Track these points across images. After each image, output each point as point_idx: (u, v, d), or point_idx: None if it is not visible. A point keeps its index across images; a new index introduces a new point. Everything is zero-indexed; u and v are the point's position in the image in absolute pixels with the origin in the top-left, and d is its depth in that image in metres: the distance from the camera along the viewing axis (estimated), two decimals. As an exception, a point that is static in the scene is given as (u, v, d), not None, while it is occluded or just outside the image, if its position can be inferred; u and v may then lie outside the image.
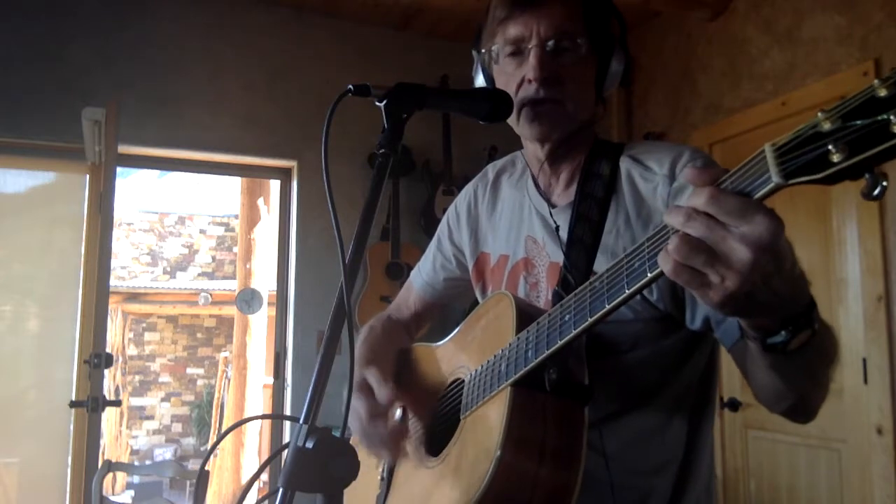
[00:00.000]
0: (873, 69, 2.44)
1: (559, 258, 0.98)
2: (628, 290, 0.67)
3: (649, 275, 0.64)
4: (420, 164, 3.61)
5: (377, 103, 0.84)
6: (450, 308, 1.37)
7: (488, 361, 0.91)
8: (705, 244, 0.57)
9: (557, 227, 1.01)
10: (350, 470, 0.68)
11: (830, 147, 0.51)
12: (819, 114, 0.52)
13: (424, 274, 1.29)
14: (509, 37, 0.97)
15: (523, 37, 0.96)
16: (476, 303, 1.11)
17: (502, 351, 0.88)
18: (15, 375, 3.08)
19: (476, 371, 0.94)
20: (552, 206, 1.04)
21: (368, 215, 0.79)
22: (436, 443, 1.00)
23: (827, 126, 0.51)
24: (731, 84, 3.06)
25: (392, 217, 3.53)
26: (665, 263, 0.60)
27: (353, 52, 3.61)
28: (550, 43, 0.95)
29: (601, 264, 0.93)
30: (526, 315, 0.88)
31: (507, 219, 1.12)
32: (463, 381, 0.98)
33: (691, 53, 3.28)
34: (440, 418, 1.03)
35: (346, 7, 3.51)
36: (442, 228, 1.26)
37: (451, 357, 1.08)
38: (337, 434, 0.69)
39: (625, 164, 0.98)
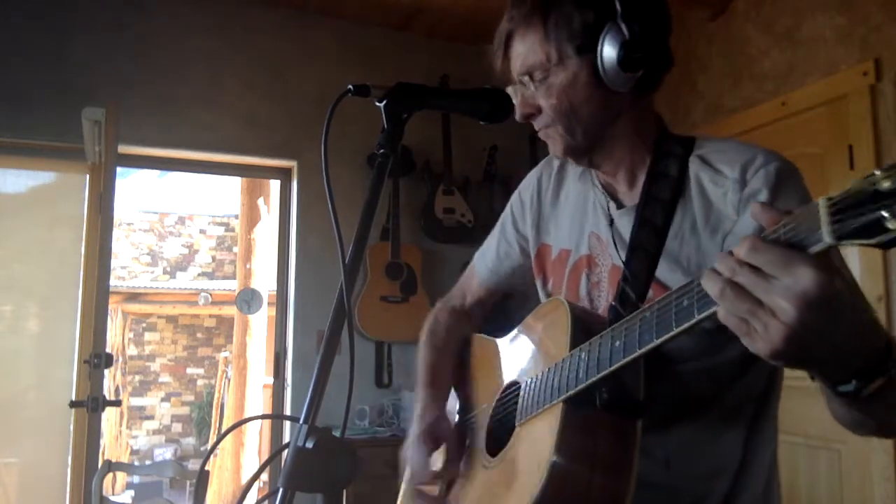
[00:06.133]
0: (873, 69, 2.43)
1: (620, 262, 0.97)
2: (676, 328, 0.68)
3: (697, 316, 0.65)
4: (420, 164, 3.61)
5: (377, 103, 0.84)
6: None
7: (543, 373, 0.92)
8: (750, 293, 0.57)
9: (619, 230, 1.00)
10: (350, 470, 0.68)
11: (885, 213, 0.49)
12: (876, 172, 0.50)
13: (489, 260, 1.27)
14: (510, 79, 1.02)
15: (510, 78, 1.01)
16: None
17: (556, 365, 0.89)
18: (15, 375, 3.08)
19: (531, 380, 0.95)
20: (619, 205, 1.02)
21: (368, 215, 0.79)
22: (492, 443, 1.04)
23: (886, 185, 0.49)
24: (731, 84, 3.06)
25: (392, 217, 3.53)
26: (717, 306, 0.60)
27: (353, 52, 3.61)
28: (525, 79, 0.97)
29: (664, 271, 0.92)
30: (581, 326, 0.89)
31: (571, 211, 1.10)
32: (519, 385, 1.00)
33: (691, 53, 3.28)
34: (497, 420, 1.06)
35: (346, 7, 3.51)
36: (506, 215, 1.24)
37: (508, 358, 1.10)
38: (337, 434, 0.69)
39: (694, 165, 0.95)
